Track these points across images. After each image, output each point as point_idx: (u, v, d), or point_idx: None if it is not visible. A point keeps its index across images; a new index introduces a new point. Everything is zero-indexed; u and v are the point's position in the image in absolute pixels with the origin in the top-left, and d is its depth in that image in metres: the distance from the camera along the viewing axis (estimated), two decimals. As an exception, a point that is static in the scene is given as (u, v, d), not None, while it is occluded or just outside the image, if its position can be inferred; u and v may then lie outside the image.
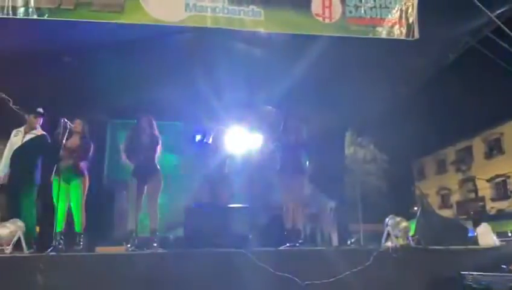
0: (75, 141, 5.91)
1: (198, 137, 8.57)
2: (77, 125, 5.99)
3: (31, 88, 7.23)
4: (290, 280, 4.61)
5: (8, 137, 6.21)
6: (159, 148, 6.06)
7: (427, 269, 4.98)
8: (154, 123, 6.13)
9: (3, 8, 4.77)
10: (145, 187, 5.91)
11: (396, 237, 5.37)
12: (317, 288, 4.64)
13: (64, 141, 5.58)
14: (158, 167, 6.06)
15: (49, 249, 4.92)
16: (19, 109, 7.83)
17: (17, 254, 4.83)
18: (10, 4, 4.78)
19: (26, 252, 4.98)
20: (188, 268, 4.53)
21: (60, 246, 5.32)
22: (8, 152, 6.03)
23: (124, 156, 6.07)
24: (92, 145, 6.10)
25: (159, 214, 5.99)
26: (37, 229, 6.46)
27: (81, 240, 5.80)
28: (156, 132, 6.09)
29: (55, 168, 5.56)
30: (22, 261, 4.52)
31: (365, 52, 6.11)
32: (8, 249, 4.81)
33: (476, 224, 10.98)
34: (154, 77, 7.04)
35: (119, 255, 4.89)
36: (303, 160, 6.57)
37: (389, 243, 5.47)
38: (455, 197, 21.35)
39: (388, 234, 5.56)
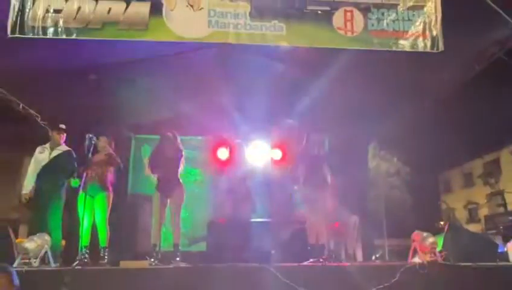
0: (100, 156, 6.01)
1: (220, 151, 8.61)
2: (102, 141, 6.09)
3: (57, 105, 7.46)
4: (314, 296, 4.53)
5: (33, 152, 6.35)
6: (182, 162, 6.09)
7: (455, 286, 4.81)
8: (178, 137, 6.19)
9: (33, 28, 4.94)
10: (168, 201, 5.93)
11: (424, 253, 5.23)
12: (342, 305, 4.55)
13: (90, 156, 5.68)
14: (181, 181, 6.09)
15: (75, 263, 4.99)
16: (46, 124, 8.08)
17: (44, 268, 4.92)
18: (40, 24, 4.95)
19: (52, 265, 5.06)
20: (211, 283, 4.51)
21: (85, 260, 5.39)
22: (33, 168, 6.17)
23: (148, 170, 6.13)
24: (117, 161, 6.18)
25: (182, 228, 6.00)
26: (63, 243, 6.58)
27: (106, 254, 5.86)
28: (180, 146, 6.14)
29: (80, 183, 5.67)
30: (48, 275, 4.59)
31: (389, 65, 6.06)
32: (36, 263, 4.90)
33: (505, 239, 10.60)
34: (178, 92, 7.16)
35: (142, 269, 4.90)
36: (326, 174, 6.51)
37: (415, 259, 5.33)
38: (483, 212, 20.69)
39: (415, 250, 5.42)
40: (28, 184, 6.11)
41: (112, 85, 6.95)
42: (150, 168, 6.10)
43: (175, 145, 6.10)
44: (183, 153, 6.16)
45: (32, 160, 6.24)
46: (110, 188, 6.06)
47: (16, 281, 1.97)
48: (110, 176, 6.14)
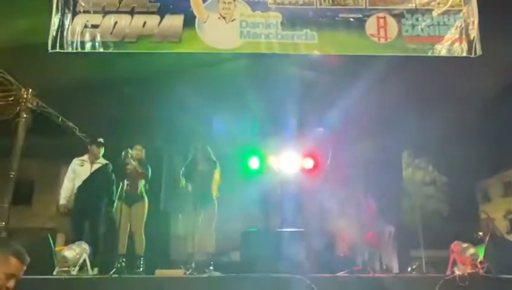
0: (135, 166, 6.14)
1: (252, 161, 8.61)
2: (138, 151, 6.22)
3: (92, 117, 7.69)
4: (349, 308, 4.44)
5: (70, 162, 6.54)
6: (216, 175, 6.15)
7: (498, 299, 4.62)
8: (210, 150, 6.26)
9: (72, 43, 5.14)
10: (201, 212, 5.99)
11: (464, 265, 5.04)
12: (379, 317, 4.43)
13: (126, 167, 5.82)
14: (214, 193, 6.13)
15: (112, 271, 5.08)
16: (84, 136, 8.34)
17: (82, 276, 5.03)
18: (79, 39, 5.15)
19: (90, 273, 5.18)
20: (245, 293, 4.50)
21: (122, 268, 5.48)
22: (72, 179, 6.34)
23: (183, 181, 6.22)
24: (150, 170, 6.30)
25: (216, 237, 6.04)
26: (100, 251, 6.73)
27: (142, 262, 5.95)
28: (213, 158, 6.21)
29: (118, 193, 5.81)
30: (86, 283, 4.69)
31: (423, 72, 5.95)
32: (75, 271, 5.02)
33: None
34: (209, 103, 7.23)
35: (177, 278, 4.95)
36: (360, 184, 6.42)
37: (455, 271, 5.15)
38: (523, 222, 19.86)
39: (454, 261, 5.24)
40: (67, 195, 6.28)
41: (145, 97, 7.11)
42: (185, 180, 6.20)
43: (209, 158, 6.17)
44: (217, 165, 6.22)
45: (70, 171, 6.40)
46: (146, 197, 6.18)
47: (27, 259, 2.01)
48: (145, 185, 6.26)
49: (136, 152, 6.21)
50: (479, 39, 5.18)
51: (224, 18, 5.19)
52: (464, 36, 5.22)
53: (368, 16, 5.24)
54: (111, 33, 5.13)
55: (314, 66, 6.28)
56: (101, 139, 6.59)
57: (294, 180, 8.58)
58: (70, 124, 8.25)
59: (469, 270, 4.94)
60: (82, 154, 6.54)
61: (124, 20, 5.14)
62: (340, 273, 5.44)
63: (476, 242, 5.95)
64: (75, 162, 6.46)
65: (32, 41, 5.51)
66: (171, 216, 8.26)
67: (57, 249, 5.80)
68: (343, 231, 6.18)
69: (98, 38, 5.13)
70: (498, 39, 5.28)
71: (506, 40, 5.50)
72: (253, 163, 8.71)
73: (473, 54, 5.18)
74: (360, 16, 5.23)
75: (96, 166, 6.36)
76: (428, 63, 5.59)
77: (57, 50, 5.12)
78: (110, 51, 5.14)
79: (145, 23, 5.15)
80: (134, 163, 6.12)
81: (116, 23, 5.14)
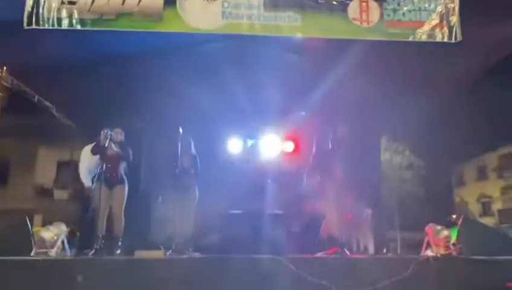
0: (115, 149, 6.08)
1: (234, 144, 8.61)
2: (117, 134, 6.16)
3: (71, 98, 7.53)
4: (326, 288, 4.53)
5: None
6: (198, 166, 6.26)
7: (470, 279, 4.76)
8: (192, 142, 6.27)
9: (48, 19, 4.98)
10: (182, 197, 6.01)
11: (437, 246, 5.19)
12: (355, 297, 4.54)
13: (106, 149, 5.77)
14: (195, 182, 6.19)
15: (91, 253, 5.06)
16: (61, 117, 8.18)
17: (60, 257, 4.99)
18: (55, 16, 4.99)
19: (68, 254, 5.14)
20: (225, 273, 4.54)
21: (101, 250, 5.46)
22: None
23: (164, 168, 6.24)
24: (131, 153, 6.25)
25: (196, 220, 6.05)
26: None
27: (120, 244, 5.94)
28: (193, 151, 6.26)
29: (97, 175, 5.76)
30: (64, 264, 4.66)
31: (402, 56, 5.98)
32: (52, 252, 4.97)
33: (520, 233, 10.48)
34: (189, 85, 7.15)
35: (157, 260, 4.96)
36: (338, 166, 6.48)
37: (429, 252, 5.30)
38: (497, 205, 20.45)
39: (428, 243, 5.39)
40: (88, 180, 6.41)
41: (124, 77, 6.98)
42: (166, 167, 6.24)
43: (191, 151, 6.28)
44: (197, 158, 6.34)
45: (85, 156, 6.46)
46: (126, 180, 6.14)
47: None
48: (125, 168, 6.22)
49: (115, 135, 6.14)
50: (459, 25, 5.24)
51: (206, -3, 5.11)
52: (444, 21, 5.26)
53: (351, 0, 5.23)
54: (89, 10, 4.99)
55: (295, 48, 6.26)
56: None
57: (275, 163, 8.63)
58: (47, 103, 8.05)
59: (442, 252, 5.09)
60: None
61: (102, -3, 5.00)
62: (318, 255, 5.54)
63: (449, 225, 6.11)
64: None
65: (7, 18, 5.31)
66: (151, 198, 8.20)
67: (34, 230, 5.71)
68: (323, 213, 6.25)
69: (75, 15, 4.98)
70: (478, 25, 5.34)
71: (486, 26, 5.58)
72: (234, 146, 8.71)
73: (453, 39, 5.24)
74: (343, -1, 5.22)
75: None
76: (408, 48, 5.62)
77: (33, 27, 4.95)
78: (88, 28, 5.01)
79: (124, 0, 5.02)
80: (114, 146, 6.06)
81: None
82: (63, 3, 4.99)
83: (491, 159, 21.55)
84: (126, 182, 6.16)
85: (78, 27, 5.02)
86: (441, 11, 5.28)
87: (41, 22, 4.95)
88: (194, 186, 6.16)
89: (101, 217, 5.79)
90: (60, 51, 6.20)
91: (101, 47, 6.11)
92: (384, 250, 7.31)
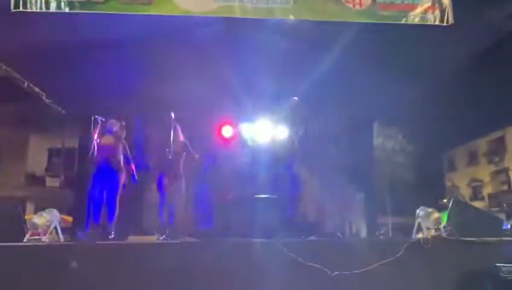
0: (110, 139, 6.12)
1: (225, 129, 8.60)
2: (112, 124, 6.18)
3: (61, 84, 7.44)
4: (319, 271, 4.58)
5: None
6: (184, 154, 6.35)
7: (460, 260, 4.85)
8: (179, 129, 6.28)
9: (36, 1, 4.88)
10: (174, 183, 6.04)
11: (428, 229, 5.26)
12: (347, 279, 4.59)
13: (101, 139, 5.79)
14: (181, 169, 6.25)
15: (84, 238, 5.06)
16: (52, 103, 8.08)
17: (54, 243, 4.99)
18: (43, -2, 4.89)
19: (61, 240, 5.14)
20: (219, 258, 4.56)
21: (94, 235, 5.47)
22: None
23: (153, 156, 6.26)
24: (125, 143, 6.27)
25: (190, 204, 6.09)
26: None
27: (113, 230, 5.96)
28: (182, 138, 6.24)
29: (92, 164, 5.78)
30: (58, 249, 4.66)
31: (394, 40, 5.97)
32: (45, 238, 4.97)
33: (509, 216, 10.63)
34: (182, 70, 7.10)
35: (150, 244, 4.97)
36: (330, 151, 6.51)
37: (420, 235, 5.36)
38: (487, 189, 20.68)
39: (419, 225, 5.45)
40: None
41: (115, 62, 6.90)
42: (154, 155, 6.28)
43: (178, 138, 6.39)
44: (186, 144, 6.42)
45: None
46: (122, 169, 6.17)
47: None
48: (120, 156, 6.24)
49: (110, 125, 6.19)
50: (451, 8, 5.22)
51: (198, -21, 5.03)
52: (436, 4, 5.25)
53: (344, -18, 5.18)
54: (78, -8, 4.89)
55: (287, 32, 6.21)
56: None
57: (268, 149, 8.63)
58: (37, 89, 7.95)
59: (433, 234, 5.16)
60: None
61: (91, -21, 4.90)
62: (311, 238, 5.60)
63: (440, 208, 6.18)
64: None
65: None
66: (145, 185, 8.20)
67: (26, 217, 5.70)
68: (315, 198, 6.30)
69: (64, -3, 4.90)
70: (469, 9, 5.33)
71: (478, 10, 5.57)
72: (227, 131, 8.70)
73: (445, 22, 5.23)
74: (336, -19, 5.17)
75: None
76: (400, 31, 5.61)
77: (21, 9, 4.85)
78: (77, 11, 4.92)
79: (113, -18, 4.93)
80: (108, 135, 6.10)
81: (82, -19, 4.90)
82: (51, -15, 4.89)
83: (482, 144, 21.73)
84: (122, 171, 6.20)
85: (67, 10, 4.92)
86: (433, -6, 5.26)
87: (28, 5, 4.84)
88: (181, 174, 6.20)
89: (94, 204, 5.82)
90: (50, 36, 6.10)
91: (91, 31, 6.01)
92: (376, 233, 7.39)
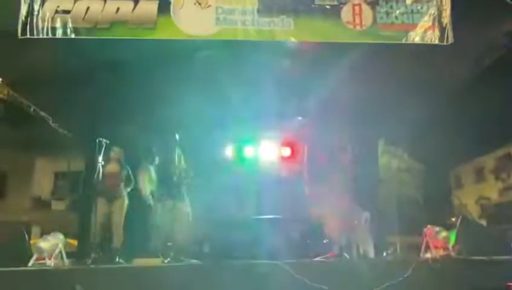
0: (114, 166, 6.28)
1: (230, 149, 8.61)
2: (116, 153, 6.26)
3: (67, 108, 7.53)
4: (327, 292, 4.52)
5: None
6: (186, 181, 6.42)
7: (469, 280, 4.77)
8: (184, 150, 6.34)
9: (43, 28, 4.98)
10: (176, 206, 6.06)
11: (436, 248, 5.20)
12: (355, 300, 4.53)
13: (105, 165, 6.03)
14: (185, 194, 6.35)
15: (89, 261, 5.04)
16: (58, 127, 8.16)
17: (59, 266, 4.97)
18: (50, 25, 4.99)
19: (66, 263, 5.12)
20: (224, 280, 4.53)
21: (99, 259, 5.45)
22: None
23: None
24: (129, 171, 6.44)
25: (194, 225, 6.08)
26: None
27: (118, 254, 5.96)
28: (184, 165, 6.41)
29: (97, 189, 5.83)
30: (63, 273, 4.64)
31: (398, 60, 6.02)
32: (50, 261, 4.95)
33: (519, 234, 10.46)
34: (186, 91, 7.16)
35: (155, 267, 4.94)
36: (336, 171, 6.49)
37: (428, 254, 5.30)
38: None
39: (427, 245, 5.39)
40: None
41: (120, 87, 6.99)
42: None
43: (181, 166, 6.48)
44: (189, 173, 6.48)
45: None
46: (125, 195, 6.26)
47: None
48: (124, 181, 6.32)
49: (114, 153, 6.26)
50: (451, 27, 5.27)
51: (199, 4, 5.12)
52: (436, 24, 5.30)
53: (344, 4, 5.26)
54: (83, 19, 4.99)
55: (290, 53, 6.28)
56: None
57: (273, 168, 8.62)
58: (43, 113, 8.04)
59: (441, 253, 5.09)
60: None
61: (96, 6, 5.00)
62: (317, 259, 5.53)
63: (448, 227, 6.12)
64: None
65: (1, 28, 5.32)
66: (149, 208, 8.18)
67: (32, 241, 5.70)
68: (321, 217, 6.25)
69: (70, 24, 4.99)
70: (469, 28, 5.38)
71: (477, 29, 5.62)
72: (232, 151, 8.71)
73: (445, 41, 5.27)
74: (336, 3, 5.24)
75: None
76: (402, 51, 5.66)
77: (27, 36, 4.95)
78: (83, 37, 5.01)
79: (118, 8, 5.02)
80: (112, 162, 6.16)
81: (88, 8, 4.99)
82: (57, 12, 4.99)
83: (488, 161, 21.58)
84: (126, 198, 6.31)
85: (73, 36, 5.02)
86: (433, 14, 5.31)
87: (35, 32, 4.95)
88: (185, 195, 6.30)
89: (99, 229, 5.85)
90: (55, 61, 6.21)
91: (96, 56, 6.11)
92: (384, 253, 7.28)
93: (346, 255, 5.99)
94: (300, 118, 8.41)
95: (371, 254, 7.34)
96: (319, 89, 7.12)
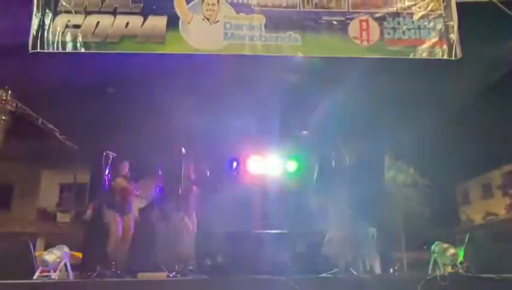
0: (122, 181, 6.31)
1: (236, 164, 8.61)
2: (124, 167, 6.33)
3: (74, 121, 7.59)
4: (333, 309, 4.46)
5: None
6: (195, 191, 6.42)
7: (478, 298, 4.69)
8: (190, 164, 6.40)
9: (53, 43, 5.05)
10: (183, 220, 6.08)
11: (444, 265, 5.12)
12: (363, 317, 4.46)
13: (113, 178, 6.13)
14: (191, 205, 6.37)
15: (94, 275, 5.02)
16: (66, 139, 8.22)
17: (63, 280, 4.95)
18: (60, 39, 5.06)
19: (71, 277, 5.09)
20: (229, 295, 4.48)
21: (104, 273, 5.42)
22: None
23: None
24: (136, 186, 6.57)
25: (199, 239, 6.06)
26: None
27: (123, 267, 5.95)
28: (192, 173, 6.32)
29: (104, 204, 5.86)
30: (67, 286, 4.61)
31: (405, 75, 6.03)
32: (55, 275, 4.93)
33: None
34: (191, 106, 7.20)
35: (160, 281, 4.90)
36: (342, 186, 6.46)
37: (436, 271, 5.22)
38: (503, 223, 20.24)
39: (435, 262, 5.31)
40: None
41: (127, 100, 7.05)
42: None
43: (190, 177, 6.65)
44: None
45: None
46: (132, 210, 6.27)
47: None
48: (133, 198, 6.36)
49: (123, 168, 6.35)
50: (458, 42, 5.29)
51: (208, 19, 5.18)
52: (444, 39, 5.31)
53: (351, 19, 5.29)
54: (93, 33, 5.06)
55: (297, 68, 6.32)
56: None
57: (278, 182, 8.60)
58: (51, 126, 8.10)
59: (449, 270, 5.01)
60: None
61: (106, 21, 5.07)
62: (324, 275, 5.46)
63: (455, 243, 6.05)
64: None
65: (11, 41, 5.40)
66: (155, 222, 8.17)
67: (36, 253, 5.69)
68: (327, 233, 6.20)
69: (80, 38, 5.06)
70: (476, 43, 5.39)
71: (484, 44, 5.63)
72: (237, 165, 8.71)
73: (453, 56, 5.28)
74: (343, 18, 5.28)
75: None
76: (410, 66, 5.67)
77: (38, 50, 5.02)
78: (92, 51, 5.08)
79: (128, 23, 5.09)
80: (121, 177, 6.23)
81: (98, 23, 5.06)
82: (67, 26, 5.07)
83: (496, 177, 21.42)
84: (132, 211, 6.46)
85: (83, 50, 5.08)
86: (440, 29, 5.34)
87: (46, 46, 5.02)
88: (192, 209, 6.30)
89: (107, 242, 5.90)
90: (63, 74, 6.28)
91: (104, 70, 6.18)
92: (391, 269, 7.21)
93: (352, 271, 5.92)
94: (305, 132, 8.41)
95: (377, 269, 7.27)
96: (324, 103, 7.14)
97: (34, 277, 4.84)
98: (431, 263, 5.37)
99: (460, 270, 5.03)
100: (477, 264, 5.11)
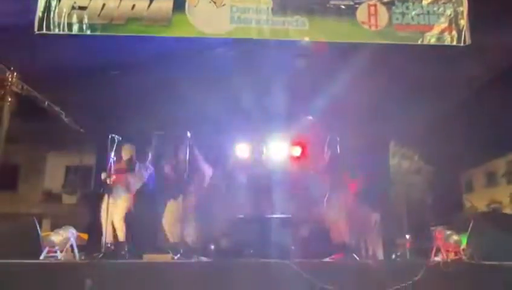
0: (124, 163, 6.39)
1: (240, 148, 8.60)
2: (126, 150, 6.32)
3: (80, 103, 7.60)
4: (335, 293, 4.50)
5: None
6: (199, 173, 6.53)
7: (480, 285, 4.72)
8: (195, 148, 6.41)
9: (59, 24, 5.04)
10: (187, 200, 6.12)
11: (447, 251, 5.15)
12: (364, 302, 4.51)
13: (116, 161, 6.10)
14: (196, 188, 6.53)
15: (100, 256, 5.09)
16: (71, 122, 8.24)
17: (70, 260, 5.02)
18: (66, 21, 5.05)
19: (77, 258, 5.17)
20: (233, 278, 4.53)
21: (109, 254, 5.50)
22: None
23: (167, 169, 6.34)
24: (138, 166, 6.58)
25: (203, 224, 6.10)
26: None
27: (126, 249, 6.02)
28: (197, 156, 6.43)
29: (106, 185, 5.93)
30: (73, 267, 4.68)
31: (410, 60, 5.96)
32: (61, 255, 5.00)
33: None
34: (197, 90, 7.18)
35: (165, 263, 4.97)
36: (346, 171, 6.47)
37: (438, 258, 5.25)
38: (507, 211, 20.26)
39: (438, 248, 5.34)
40: None
41: (133, 83, 7.03)
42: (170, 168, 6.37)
43: (194, 155, 6.53)
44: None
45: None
46: (132, 191, 6.28)
47: None
48: (132, 180, 6.37)
49: (125, 151, 6.33)
50: (468, 28, 5.22)
51: (214, 2, 5.14)
52: (453, 25, 5.24)
53: (359, 3, 5.23)
54: (99, 15, 5.05)
55: (303, 52, 6.26)
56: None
57: (283, 168, 8.60)
58: (57, 108, 8.11)
59: (452, 257, 5.04)
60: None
61: (112, 3, 5.05)
62: (327, 259, 5.52)
63: (458, 230, 6.06)
64: None
65: (17, 23, 5.38)
66: (158, 203, 8.23)
67: (43, 234, 5.77)
68: (331, 218, 6.24)
69: (86, 20, 5.05)
70: (485, 30, 5.31)
71: (493, 31, 5.54)
72: (241, 150, 8.70)
73: (462, 42, 5.22)
74: (351, 3, 5.22)
75: None
76: (416, 52, 5.60)
77: (44, 31, 5.02)
78: (98, 33, 5.06)
79: (134, 6, 5.06)
80: (123, 159, 6.24)
81: (104, 5, 5.05)
82: (73, 8, 5.05)
83: (500, 165, 21.37)
84: (133, 192, 6.41)
85: (88, 32, 5.08)
86: (450, 15, 5.26)
87: (52, 27, 5.02)
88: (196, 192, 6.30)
89: (105, 224, 5.93)
90: (70, 56, 6.25)
91: (111, 52, 6.15)
92: (393, 255, 7.26)
93: (355, 256, 5.96)
94: (311, 117, 8.38)
95: (380, 255, 7.33)
96: (330, 88, 7.09)
97: (41, 257, 4.91)
98: (434, 249, 5.41)
99: (463, 257, 5.06)
100: (480, 251, 5.13)
